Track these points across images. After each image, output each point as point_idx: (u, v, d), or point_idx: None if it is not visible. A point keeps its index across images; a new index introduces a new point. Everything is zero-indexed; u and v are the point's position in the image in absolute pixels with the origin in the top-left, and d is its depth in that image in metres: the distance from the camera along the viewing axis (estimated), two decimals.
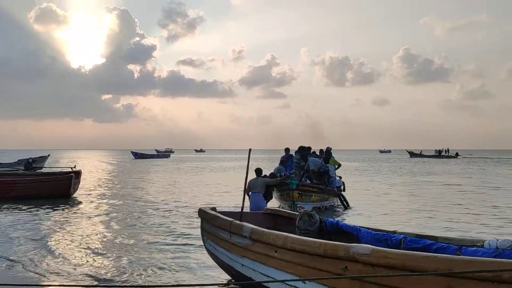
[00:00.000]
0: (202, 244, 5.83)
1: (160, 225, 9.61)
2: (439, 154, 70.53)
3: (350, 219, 10.32)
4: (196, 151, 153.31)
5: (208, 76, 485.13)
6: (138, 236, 8.37)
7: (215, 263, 5.54)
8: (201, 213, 5.68)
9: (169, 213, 11.34)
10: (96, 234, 8.59)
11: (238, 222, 4.85)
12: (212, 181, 23.65)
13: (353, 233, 5.38)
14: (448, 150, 72.31)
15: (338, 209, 12.08)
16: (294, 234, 4.72)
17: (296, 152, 12.75)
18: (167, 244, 7.56)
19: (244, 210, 7.38)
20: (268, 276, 4.23)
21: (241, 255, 4.66)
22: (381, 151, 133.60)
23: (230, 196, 15.24)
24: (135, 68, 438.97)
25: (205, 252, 5.85)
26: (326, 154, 13.09)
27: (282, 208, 9.88)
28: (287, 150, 13.01)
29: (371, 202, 13.87)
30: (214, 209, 5.76)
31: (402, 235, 4.91)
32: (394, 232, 5.17)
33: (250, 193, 9.45)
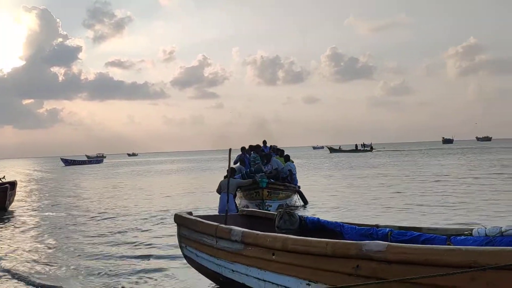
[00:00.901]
0: (165, 252, 5.58)
1: (112, 233, 9.07)
2: (356, 149, 75.68)
3: (313, 215, 10.37)
4: (129, 155, 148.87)
5: (138, 78, 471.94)
6: (89, 247, 7.83)
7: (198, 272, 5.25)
8: (178, 218, 5.36)
9: (124, 221, 10.74)
10: (44, 248, 7.94)
11: (225, 226, 4.62)
12: (159, 184, 22.93)
13: (336, 230, 5.33)
14: (364, 144, 79.63)
15: (297, 205, 12.17)
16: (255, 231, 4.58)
17: (245, 150, 12.74)
18: (129, 257, 7.11)
19: (213, 213, 7.15)
20: (265, 281, 4.05)
21: (231, 261, 4.43)
22: (314, 148, 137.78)
23: (186, 199, 14.82)
24: (59, 71, 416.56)
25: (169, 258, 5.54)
26: (277, 153, 13.15)
27: (245, 207, 9.87)
28: (243, 149, 12.87)
29: (326, 197, 14.19)
30: (190, 213, 5.46)
31: (387, 229, 4.93)
32: (377, 226, 5.19)
33: (221, 193, 9.29)
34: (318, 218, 5.60)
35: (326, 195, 14.78)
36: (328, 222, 5.47)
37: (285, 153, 13.19)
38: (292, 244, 3.80)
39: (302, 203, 12.21)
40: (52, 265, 6.63)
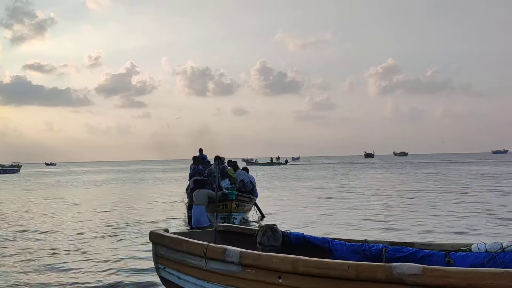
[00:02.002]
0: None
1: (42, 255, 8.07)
2: (271, 162, 78.18)
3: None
4: (47, 164, 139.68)
5: (60, 83, 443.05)
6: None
7: None
8: (154, 236, 4.79)
9: (54, 239, 9.67)
10: None
11: (217, 245, 4.15)
12: (88, 196, 21.37)
13: (323, 246, 5.07)
14: (279, 157, 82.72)
15: (254, 218, 11.91)
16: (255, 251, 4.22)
17: (197, 161, 12.33)
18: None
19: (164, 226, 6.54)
20: None
21: (226, 284, 3.99)
22: (243, 160, 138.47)
23: (120, 211, 13.83)
24: None
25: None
26: (229, 164, 12.80)
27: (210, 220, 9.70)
28: (196, 159, 12.42)
29: (279, 208, 14.09)
30: (166, 230, 4.90)
31: (381, 244, 4.76)
32: (366, 241, 5.00)
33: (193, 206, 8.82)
34: (302, 234, 5.31)
35: (282, 206, 14.71)
36: (314, 237, 5.20)
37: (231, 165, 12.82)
38: (305, 266, 3.45)
39: (259, 216, 11.93)
40: None
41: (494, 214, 11.52)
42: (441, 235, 8.82)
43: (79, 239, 9.48)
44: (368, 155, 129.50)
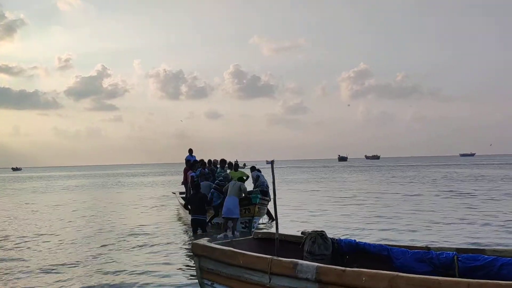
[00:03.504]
0: None
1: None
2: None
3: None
4: (13, 169, 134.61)
5: (28, 86, 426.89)
6: None
7: None
8: (200, 249, 4.17)
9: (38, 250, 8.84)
10: None
11: (284, 259, 3.59)
12: (67, 202, 20.25)
13: (381, 253, 4.57)
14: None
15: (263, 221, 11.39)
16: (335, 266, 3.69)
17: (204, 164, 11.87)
18: None
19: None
20: None
21: None
22: None
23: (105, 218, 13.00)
24: None
25: None
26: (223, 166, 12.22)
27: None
28: (203, 162, 11.92)
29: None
30: (209, 241, 4.30)
31: (451, 252, 4.29)
32: (428, 248, 4.54)
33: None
34: (354, 240, 4.81)
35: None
36: (369, 244, 4.70)
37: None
38: (408, 284, 2.92)
39: (268, 219, 11.44)
40: None
41: None
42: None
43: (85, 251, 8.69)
44: (342, 159, 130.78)
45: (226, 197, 9.47)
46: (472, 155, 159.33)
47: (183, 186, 14.80)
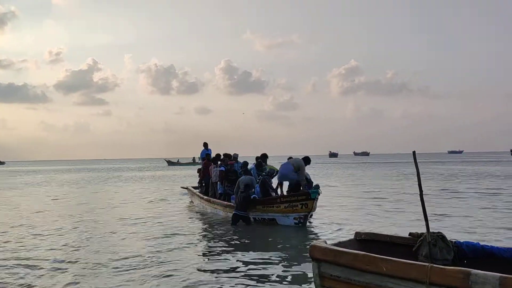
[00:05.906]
0: None
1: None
2: (194, 162, 69.43)
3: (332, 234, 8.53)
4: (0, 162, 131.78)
5: (17, 79, 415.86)
6: None
7: None
8: (320, 252, 3.47)
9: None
10: None
11: (450, 267, 2.90)
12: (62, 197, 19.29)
13: None
14: (199, 157, 78.99)
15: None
16: None
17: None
18: None
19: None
20: None
21: None
22: None
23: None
24: None
25: None
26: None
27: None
28: (235, 156, 11.27)
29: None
30: (325, 242, 3.59)
31: None
32: None
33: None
34: (478, 243, 4.14)
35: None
36: (497, 248, 4.04)
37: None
38: None
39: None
40: None
41: None
42: None
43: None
44: (333, 155, 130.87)
45: (282, 164, 10.06)
46: (460, 152, 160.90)
47: (198, 183, 14.26)
